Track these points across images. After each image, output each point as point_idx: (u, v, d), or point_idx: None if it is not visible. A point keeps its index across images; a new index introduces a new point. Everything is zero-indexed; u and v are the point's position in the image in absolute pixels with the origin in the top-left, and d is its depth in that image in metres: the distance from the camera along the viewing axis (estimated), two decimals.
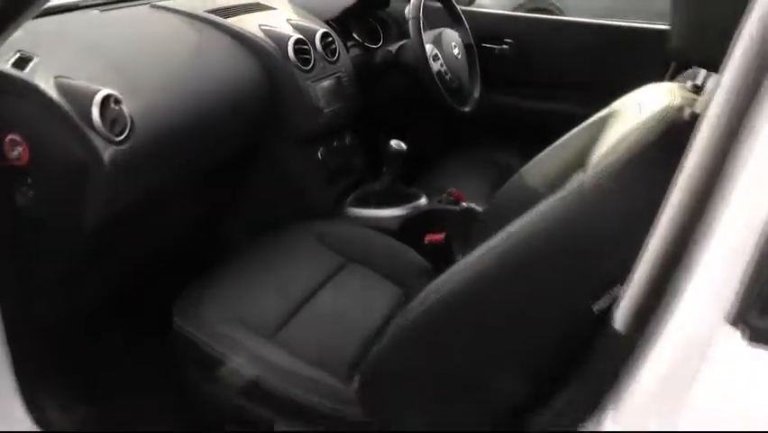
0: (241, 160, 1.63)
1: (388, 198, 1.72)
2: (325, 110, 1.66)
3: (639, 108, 0.95)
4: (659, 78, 2.04)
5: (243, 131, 1.54)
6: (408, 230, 1.65)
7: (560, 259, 0.83)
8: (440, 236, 1.54)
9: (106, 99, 1.12)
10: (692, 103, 0.82)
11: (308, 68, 1.62)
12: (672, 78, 1.89)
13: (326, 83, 1.68)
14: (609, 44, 2.10)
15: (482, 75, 2.09)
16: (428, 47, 1.85)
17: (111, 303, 1.47)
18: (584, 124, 1.19)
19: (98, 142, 1.11)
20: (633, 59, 2.07)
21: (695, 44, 0.78)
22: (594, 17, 2.22)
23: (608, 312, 0.77)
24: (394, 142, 1.64)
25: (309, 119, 1.63)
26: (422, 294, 0.95)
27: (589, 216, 0.80)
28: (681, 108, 0.82)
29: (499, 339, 0.90)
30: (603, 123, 1.12)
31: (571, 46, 2.16)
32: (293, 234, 1.53)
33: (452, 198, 1.70)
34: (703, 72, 0.91)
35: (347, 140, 1.82)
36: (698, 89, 0.90)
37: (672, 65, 1.98)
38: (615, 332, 0.69)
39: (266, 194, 1.75)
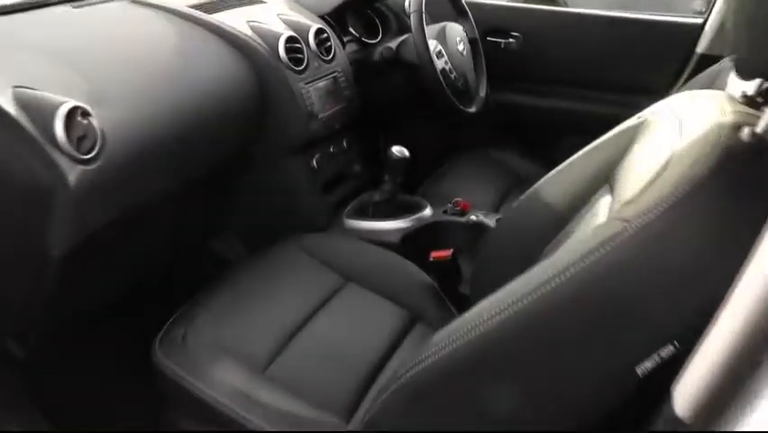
0: (228, 170, 1.51)
1: (389, 208, 1.59)
2: (320, 115, 1.53)
3: (679, 125, 0.82)
4: (677, 74, 1.93)
5: (231, 139, 1.41)
6: (411, 244, 1.53)
7: (596, 318, 0.69)
8: (446, 253, 1.42)
9: (72, 112, 0.99)
10: (751, 120, 0.68)
11: (301, 68, 1.49)
12: (692, 76, 1.76)
13: (321, 84, 1.55)
14: (625, 38, 1.97)
15: (487, 71, 1.96)
16: (431, 43, 1.72)
17: (86, 333, 1.34)
18: (608, 134, 1.06)
19: (63, 163, 0.98)
20: (650, 54, 1.94)
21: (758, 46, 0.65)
22: (606, 7, 2.07)
23: (655, 375, 0.65)
24: (395, 149, 1.51)
25: (302, 125, 1.50)
26: (425, 348, 0.81)
27: (632, 266, 0.67)
28: (737, 127, 0.68)
29: (512, 411, 0.75)
30: (631, 135, 0.99)
31: (582, 40, 2.02)
32: (285, 250, 1.41)
33: (458, 209, 1.58)
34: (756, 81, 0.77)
35: (344, 145, 1.69)
36: (753, 102, 0.75)
37: (694, 60, 1.86)
38: (674, 417, 0.56)
39: (256, 206, 1.62)
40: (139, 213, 1.20)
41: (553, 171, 1.14)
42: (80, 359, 1.35)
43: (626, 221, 0.67)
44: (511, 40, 2.08)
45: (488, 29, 2.07)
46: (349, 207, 1.63)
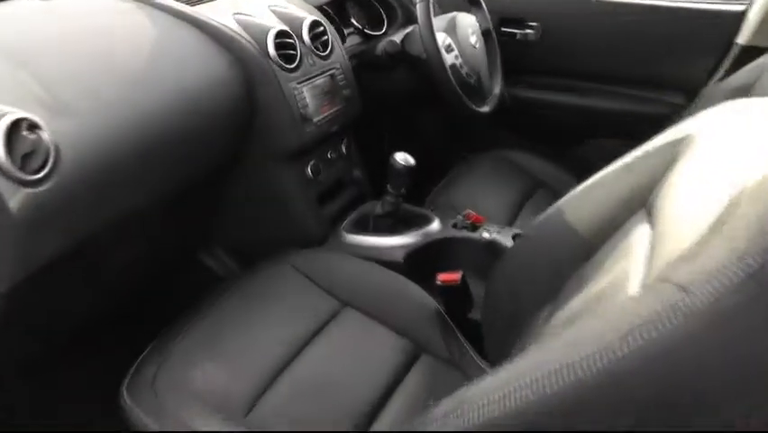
0: (213, 180, 1.36)
1: (392, 222, 1.44)
2: (315, 117, 1.37)
3: (740, 148, 0.66)
4: (714, 68, 1.75)
5: (214, 148, 1.25)
6: (416, 263, 1.37)
7: (645, 409, 0.53)
8: (455, 277, 1.26)
9: (16, 126, 0.84)
10: None
11: (293, 65, 1.32)
12: (731, 70, 1.58)
13: (316, 83, 1.38)
14: (656, 27, 1.78)
15: (502, 66, 1.79)
16: (440, 35, 1.55)
17: (42, 375, 1.20)
18: (643, 150, 0.91)
19: (2, 185, 0.83)
20: (685, 46, 1.76)
21: None
22: None
23: None
24: (399, 156, 1.35)
25: (294, 130, 1.34)
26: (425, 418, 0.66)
27: (699, 353, 0.51)
28: None
29: None
30: (671, 153, 0.84)
31: (608, 30, 1.84)
32: (275, 269, 1.27)
33: (469, 222, 1.42)
34: None
35: (343, 150, 1.53)
36: None
37: (733, 53, 1.68)
38: None
39: (245, 219, 1.47)
40: (105, 237, 1.06)
41: (578, 188, 0.99)
42: (45, 399, 1.22)
43: (684, 289, 0.51)
44: (529, 30, 1.90)
45: (503, 18, 1.90)
46: (347, 220, 1.48)
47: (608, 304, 0.69)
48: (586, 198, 0.97)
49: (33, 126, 0.86)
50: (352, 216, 1.49)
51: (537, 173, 1.80)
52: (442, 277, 1.28)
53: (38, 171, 0.86)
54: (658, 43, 1.79)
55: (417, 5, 1.48)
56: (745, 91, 1.36)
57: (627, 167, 0.91)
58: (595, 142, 1.92)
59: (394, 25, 1.79)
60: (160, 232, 1.33)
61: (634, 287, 0.65)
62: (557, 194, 1.71)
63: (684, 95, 1.76)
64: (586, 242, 0.90)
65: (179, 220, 1.37)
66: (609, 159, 1.85)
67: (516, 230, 1.39)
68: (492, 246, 1.34)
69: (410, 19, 1.74)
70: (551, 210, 1.02)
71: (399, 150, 1.37)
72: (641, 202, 0.82)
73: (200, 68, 1.19)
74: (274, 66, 1.29)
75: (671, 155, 0.81)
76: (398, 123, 1.89)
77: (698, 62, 1.75)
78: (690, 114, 1.58)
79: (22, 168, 0.84)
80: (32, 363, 1.21)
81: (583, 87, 1.93)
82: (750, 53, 1.58)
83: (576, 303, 0.80)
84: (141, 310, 1.38)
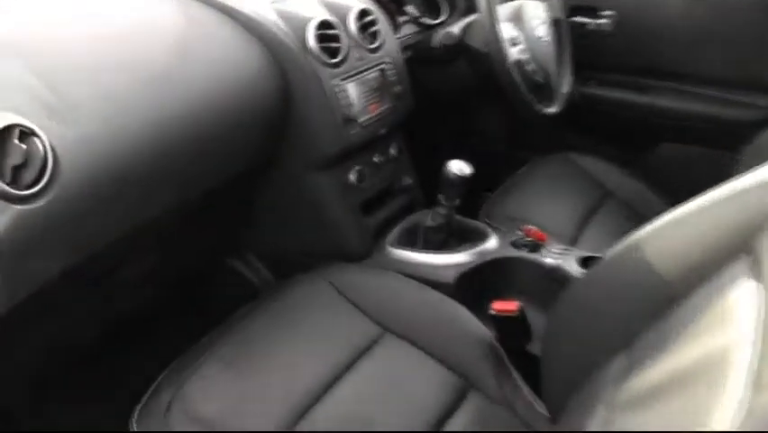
0: (243, 188, 1.23)
1: (443, 237, 1.28)
2: (361, 118, 1.22)
3: None
4: None
5: (244, 153, 1.11)
6: (469, 285, 1.21)
7: None
8: (512, 307, 1.10)
9: (6, 133, 0.72)
10: None
11: (337, 60, 1.18)
12: None
13: (363, 79, 1.23)
14: (752, 23, 1.56)
15: (572, 60, 1.60)
16: (505, 26, 1.38)
17: (50, 398, 1.10)
18: (746, 181, 0.74)
19: None
20: None
21: None
22: None
23: None
24: (454, 165, 1.19)
25: (337, 133, 1.19)
26: None
27: None
28: None
29: None
30: None
31: (695, 22, 1.62)
32: (310, 286, 1.14)
33: (529, 240, 1.25)
34: None
35: (392, 153, 1.37)
36: None
37: None
38: None
39: (279, 227, 1.34)
40: (115, 250, 0.94)
41: (663, 219, 0.82)
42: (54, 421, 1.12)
43: None
44: (603, 20, 1.70)
45: (573, 6, 1.70)
46: (393, 233, 1.33)
47: (703, 392, 0.56)
48: (672, 232, 0.81)
49: (27, 133, 0.74)
50: (400, 227, 1.34)
51: (605, 181, 1.60)
52: (497, 306, 1.12)
53: (32, 186, 0.74)
54: (751, 40, 1.57)
55: None
56: None
57: (726, 201, 0.75)
58: (672, 148, 1.71)
59: (454, 14, 1.61)
60: (182, 240, 1.21)
61: (738, 382, 0.52)
62: (627, 207, 1.55)
63: None
64: (669, 286, 0.76)
65: (206, 227, 1.25)
66: (688, 168, 1.67)
67: (582, 252, 1.22)
68: (556, 273, 1.18)
69: (471, 8, 1.56)
70: (628, 242, 0.86)
71: (454, 152, 1.22)
72: (742, 246, 0.68)
73: (231, 63, 1.05)
74: (314, 61, 1.14)
75: None
76: (453, 123, 1.73)
77: None
78: None
79: (13, 182, 0.73)
80: (39, 384, 1.11)
81: (662, 87, 1.71)
82: None
83: (660, 370, 0.67)
84: (162, 324, 1.27)
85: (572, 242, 1.38)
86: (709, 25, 1.61)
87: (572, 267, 1.17)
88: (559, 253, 1.23)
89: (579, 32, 1.67)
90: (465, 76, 1.47)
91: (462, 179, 1.20)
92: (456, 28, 1.43)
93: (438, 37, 1.45)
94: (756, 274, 0.63)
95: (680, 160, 1.69)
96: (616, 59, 1.74)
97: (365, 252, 1.29)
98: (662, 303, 0.75)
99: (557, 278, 1.17)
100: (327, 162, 1.22)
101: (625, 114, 1.76)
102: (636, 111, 1.74)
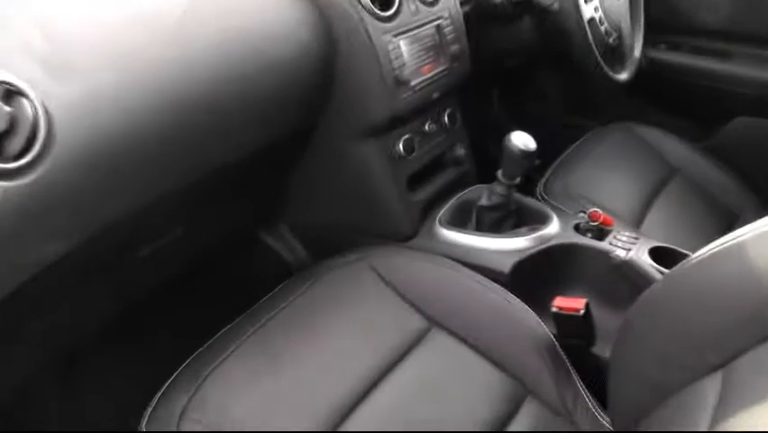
0: (279, 159, 1.09)
1: (500, 218, 1.14)
2: (413, 81, 1.07)
3: None
4: None
5: (281, 117, 0.97)
6: (526, 275, 1.08)
7: None
8: (577, 305, 0.96)
9: None
10: None
11: (390, 13, 1.02)
12: None
13: (418, 36, 1.08)
14: None
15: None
16: None
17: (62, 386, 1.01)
18: None
19: None
20: None
21: None
22: None
23: None
24: (517, 138, 1.04)
25: (386, 97, 1.04)
26: None
27: None
28: None
29: None
30: None
31: None
32: (348, 272, 1.03)
33: (595, 225, 1.10)
34: None
35: (445, 120, 1.22)
36: None
37: None
38: None
39: (317, 199, 1.21)
40: (125, 227, 0.81)
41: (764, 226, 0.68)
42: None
43: None
44: None
45: None
46: (444, 210, 1.19)
47: None
48: None
49: (14, 93, 0.61)
50: (450, 205, 1.20)
51: (672, 157, 1.44)
52: (559, 303, 0.98)
53: (19, 157, 0.62)
54: None
55: None
56: None
57: None
58: (749, 122, 1.53)
59: None
60: (210, 213, 1.09)
61: None
62: (695, 186, 1.39)
63: None
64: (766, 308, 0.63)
65: (237, 198, 1.12)
66: (765, 145, 1.49)
67: (654, 242, 1.07)
68: (628, 267, 1.03)
69: None
70: (730, 245, 0.71)
71: (508, 120, 1.06)
72: None
73: (264, 12, 0.91)
74: (364, 12, 0.99)
75: None
76: (512, 87, 1.56)
77: None
78: None
79: None
80: (66, 361, 1.02)
81: (742, 52, 1.53)
82: None
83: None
84: (187, 303, 1.16)
85: (637, 224, 1.25)
86: None
87: (645, 260, 1.02)
88: (628, 242, 1.08)
89: None
90: (530, 36, 1.30)
91: (526, 155, 1.05)
92: None
93: None
94: None
95: (757, 136, 1.51)
96: (689, 20, 1.55)
97: (412, 231, 1.16)
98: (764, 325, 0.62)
99: (628, 272, 1.03)
100: (374, 130, 1.08)
101: (696, 81, 1.58)
102: (710, 79, 1.56)
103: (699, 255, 0.73)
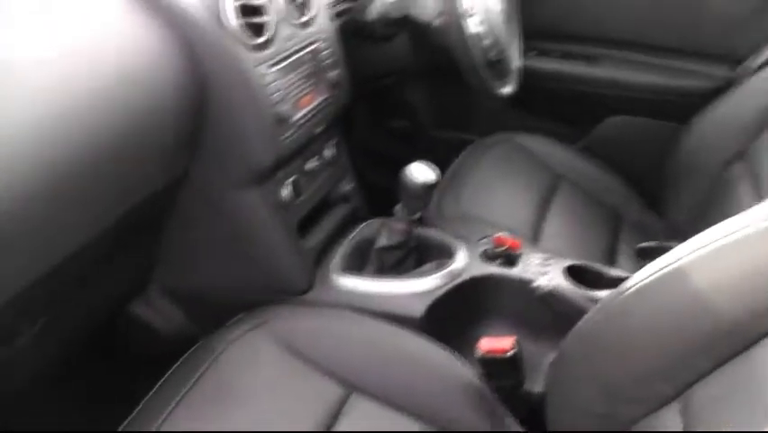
0: (148, 217, 0.92)
1: (402, 257, 1.04)
2: (295, 116, 0.94)
3: None
4: None
5: (151, 171, 0.80)
6: (442, 316, 0.98)
7: None
8: (505, 346, 0.88)
9: None
10: None
11: (262, 40, 0.88)
12: None
13: (295, 64, 0.95)
14: None
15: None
16: None
17: None
18: None
19: None
20: (733, 11, 1.40)
21: None
22: None
23: None
24: (416, 171, 0.95)
25: (268, 139, 0.90)
26: None
27: None
28: None
29: None
30: None
31: None
32: (248, 345, 0.88)
33: (501, 250, 1.03)
34: None
35: (327, 155, 1.10)
36: None
37: None
38: None
39: (195, 263, 1.05)
40: None
41: (707, 243, 0.64)
42: None
43: None
44: None
45: None
46: (339, 255, 1.06)
47: None
48: (716, 264, 0.63)
49: None
50: (346, 247, 1.08)
51: (555, 163, 1.43)
52: (485, 346, 0.89)
53: None
54: (701, 7, 1.43)
55: None
56: None
57: None
58: (620, 121, 1.55)
59: None
60: (72, 299, 0.89)
61: None
62: (582, 191, 1.37)
63: (729, 67, 1.42)
64: (732, 326, 0.60)
65: (103, 273, 0.93)
66: (637, 142, 1.52)
67: (566, 261, 1.02)
68: (551, 297, 0.97)
69: None
70: (664, 272, 0.67)
71: (385, 140, 0.96)
72: None
73: (120, 46, 0.74)
74: (233, 41, 0.84)
75: None
76: (380, 104, 1.47)
77: (749, 31, 1.40)
78: (743, 93, 1.25)
79: None
80: None
81: (608, 56, 1.54)
82: None
83: None
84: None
85: (535, 239, 1.20)
86: None
87: (567, 286, 0.96)
88: (541, 265, 1.02)
89: None
90: (406, 54, 1.21)
91: (428, 188, 0.96)
92: None
93: (376, 7, 1.17)
94: None
95: (628, 134, 1.54)
96: (558, 28, 1.55)
97: (307, 284, 1.02)
98: (719, 347, 0.60)
99: (552, 301, 0.96)
100: (255, 176, 0.93)
101: (567, 86, 1.57)
102: (580, 83, 1.56)
103: (636, 283, 0.68)
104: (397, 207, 1.00)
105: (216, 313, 0.93)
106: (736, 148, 1.20)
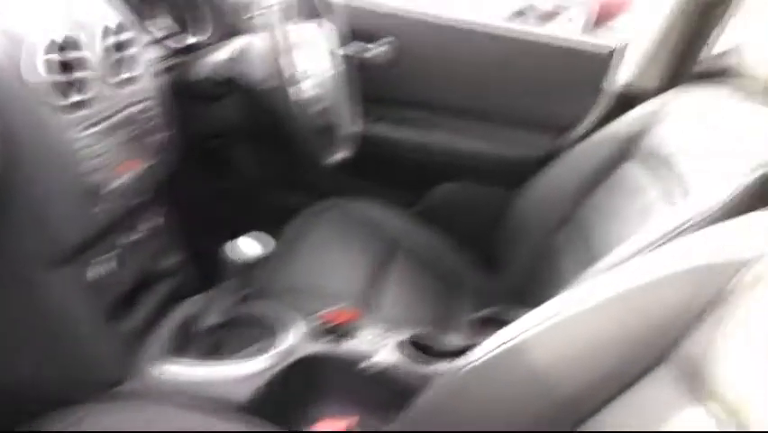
0: None
1: (227, 337, 0.96)
2: (110, 185, 0.83)
3: None
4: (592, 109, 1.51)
5: None
6: (273, 400, 0.91)
7: None
8: (340, 427, 0.83)
9: None
10: None
11: (75, 100, 0.77)
12: (613, 114, 1.36)
13: (113, 127, 0.84)
14: (528, 64, 1.51)
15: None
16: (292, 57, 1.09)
17: None
18: (661, 272, 0.64)
19: None
20: (560, 87, 1.51)
21: None
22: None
23: None
24: (242, 245, 0.89)
25: (77, 213, 0.79)
26: None
27: None
28: None
29: None
30: (712, 283, 0.60)
31: (473, 60, 1.51)
32: None
33: (331, 327, 0.99)
34: None
35: (149, 226, 0.99)
36: None
37: (609, 96, 1.45)
38: None
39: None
40: None
41: (542, 322, 0.66)
42: None
43: None
44: (381, 47, 1.50)
45: (347, 33, 1.47)
46: (158, 339, 0.96)
47: None
48: (556, 339, 0.65)
49: None
50: (165, 330, 0.97)
51: (390, 229, 1.42)
52: (320, 429, 0.84)
53: None
54: (528, 80, 1.52)
55: (263, 13, 1.01)
56: (631, 141, 1.21)
57: (629, 297, 0.63)
58: (454, 187, 1.59)
59: (217, 32, 1.25)
60: None
61: None
62: (418, 258, 1.38)
63: (556, 138, 1.51)
64: (570, 399, 0.63)
65: None
66: (471, 207, 1.57)
67: (403, 334, 1.00)
68: (387, 374, 0.93)
69: (240, 25, 1.23)
70: (503, 349, 0.67)
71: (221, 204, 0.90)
72: (659, 355, 0.60)
73: None
74: (39, 102, 0.73)
75: (712, 287, 0.59)
76: (218, 169, 1.39)
77: (571, 103, 1.51)
78: (566, 162, 1.34)
79: None
80: None
81: (440, 124, 1.58)
82: (627, 97, 1.41)
83: None
84: None
85: (371, 307, 1.17)
86: (483, 65, 1.52)
87: (405, 363, 0.94)
88: (376, 339, 0.98)
89: (353, 60, 1.45)
90: (237, 115, 1.15)
91: (255, 263, 0.90)
92: (227, 54, 1.10)
93: (203, 65, 1.09)
94: (695, 392, 0.54)
95: (462, 199, 1.59)
96: (393, 94, 1.56)
97: (121, 374, 0.90)
98: (560, 421, 0.63)
99: (389, 378, 0.93)
100: (62, 255, 0.80)
101: (402, 153, 1.59)
102: (414, 150, 1.59)
103: (474, 360, 0.68)
104: (225, 283, 0.92)
105: (28, 410, 0.79)
106: (562, 213, 1.27)
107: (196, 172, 1.22)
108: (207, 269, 1.00)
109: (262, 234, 0.92)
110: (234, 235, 0.94)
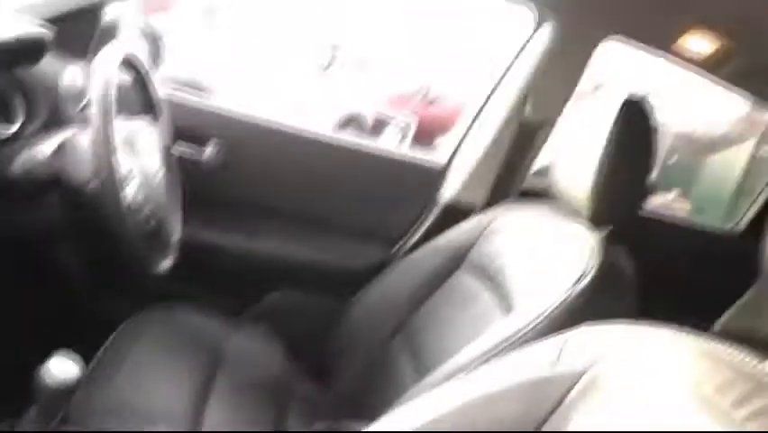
0: None
1: None
2: None
3: None
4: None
5: None
6: None
7: None
8: None
9: None
10: None
11: None
12: (439, 226, 1.42)
13: None
14: (360, 175, 1.55)
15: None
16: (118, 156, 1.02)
17: None
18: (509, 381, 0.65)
19: None
20: (389, 198, 1.56)
21: None
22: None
23: None
24: (56, 367, 0.79)
25: None
26: None
27: None
28: None
29: None
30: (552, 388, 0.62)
31: (304, 167, 1.53)
32: None
33: None
34: None
35: None
36: None
37: (438, 208, 1.52)
38: None
39: None
40: None
41: None
42: None
43: None
44: (207, 149, 1.46)
45: (174, 132, 1.42)
46: None
47: None
48: None
49: None
50: None
51: (218, 338, 1.34)
52: None
53: None
54: (358, 189, 1.56)
55: (90, 105, 0.95)
56: (463, 252, 1.27)
57: (465, 412, 0.63)
58: (285, 294, 1.55)
59: (33, 123, 1.14)
60: None
61: None
62: (246, 371, 1.30)
63: (387, 247, 1.55)
64: None
65: None
66: (301, 315, 1.53)
67: None
68: None
69: (59, 116, 1.14)
70: None
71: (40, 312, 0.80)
72: None
73: None
74: None
75: (546, 401, 0.60)
76: (36, 274, 1.24)
77: (401, 214, 1.56)
78: (399, 271, 1.36)
79: None
80: None
81: (269, 229, 1.55)
82: (455, 210, 1.49)
83: None
84: None
85: (197, 424, 1.09)
86: (314, 173, 1.54)
87: None
88: None
89: (181, 162, 1.39)
90: (59, 216, 1.05)
91: (68, 386, 0.80)
92: (47, 149, 1.01)
93: (21, 161, 0.99)
94: None
95: (292, 307, 1.56)
96: (220, 197, 1.51)
97: None
98: None
99: None
100: None
101: (229, 259, 1.53)
102: (242, 256, 1.54)
103: None
104: (31, 410, 0.81)
105: None
106: (396, 322, 1.27)
107: (13, 278, 1.09)
108: (23, 385, 0.87)
109: (73, 355, 0.83)
110: (51, 347, 0.83)
